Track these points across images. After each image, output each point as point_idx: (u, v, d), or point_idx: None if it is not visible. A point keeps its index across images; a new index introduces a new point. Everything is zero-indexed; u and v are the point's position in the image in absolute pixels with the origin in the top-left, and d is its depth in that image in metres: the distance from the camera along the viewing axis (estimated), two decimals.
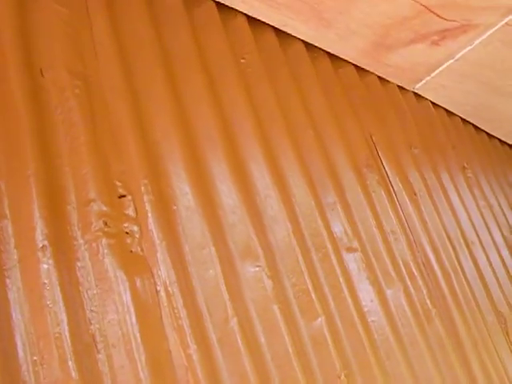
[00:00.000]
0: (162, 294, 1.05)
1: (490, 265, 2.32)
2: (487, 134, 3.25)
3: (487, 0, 1.95)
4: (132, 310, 0.98)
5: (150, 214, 1.10)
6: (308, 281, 1.35)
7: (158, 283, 1.05)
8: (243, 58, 1.59)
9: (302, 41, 1.89)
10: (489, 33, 2.16)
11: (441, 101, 2.71)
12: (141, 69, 1.29)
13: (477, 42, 2.20)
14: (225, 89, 1.47)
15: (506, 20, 2.09)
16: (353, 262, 1.55)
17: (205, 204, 1.22)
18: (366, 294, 1.53)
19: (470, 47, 2.23)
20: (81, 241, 0.99)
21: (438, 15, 1.98)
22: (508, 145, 3.52)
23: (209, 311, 1.11)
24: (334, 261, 1.47)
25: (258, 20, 1.72)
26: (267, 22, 1.75)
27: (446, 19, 2.01)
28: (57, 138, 1.03)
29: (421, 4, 1.88)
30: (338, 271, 1.47)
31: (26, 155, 0.98)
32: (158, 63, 1.33)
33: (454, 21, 2.04)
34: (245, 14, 1.68)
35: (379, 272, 1.63)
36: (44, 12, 1.14)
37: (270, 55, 1.72)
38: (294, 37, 1.86)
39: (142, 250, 1.06)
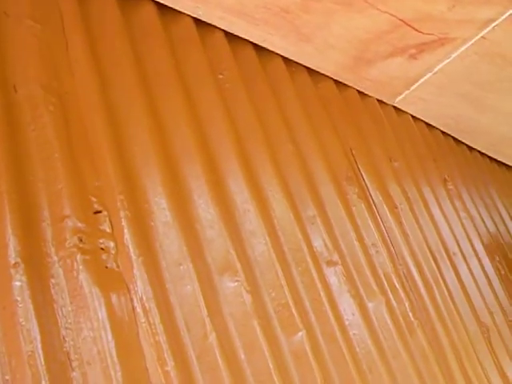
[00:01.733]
0: (139, 310, 1.04)
1: (472, 276, 2.33)
2: (468, 146, 3.28)
3: (463, 14, 1.98)
4: (108, 326, 0.97)
5: (126, 230, 1.09)
6: (288, 295, 1.35)
7: (135, 299, 1.04)
8: (221, 74, 1.60)
9: (281, 56, 1.90)
10: (466, 46, 2.18)
11: (420, 114, 2.74)
12: (118, 85, 1.29)
13: (454, 55, 2.22)
14: (203, 104, 1.47)
15: (482, 33, 2.12)
16: (333, 275, 1.54)
17: (182, 219, 1.22)
18: (348, 308, 1.52)
19: (447, 60, 2.25)
20: (55, 257, 0.98)
21: (415, 29, 2.00)
22: (488, 157, 3.55)
23: (187, 327, 1.10)
24: (315, 274, 1.47)
25: (237, 36, 1.72)
26: (246, 37, 1.76)
27: (423, 33, 2.04)
28: (30, 154, 1.03)
29: (398, 18, 1.90)
30: (319, 285, 1.46)
31: None
32: (135, 79, 1.33)
33: (431, 34, 2.06)
34: (223, 30, 1.68)
35: (360, 285, 1.62)
36: (17, 28, 1.14)
37: (249, 71, 1.72)
38: (273, 52, 1.87)
39: (117, 265, 1.05)
